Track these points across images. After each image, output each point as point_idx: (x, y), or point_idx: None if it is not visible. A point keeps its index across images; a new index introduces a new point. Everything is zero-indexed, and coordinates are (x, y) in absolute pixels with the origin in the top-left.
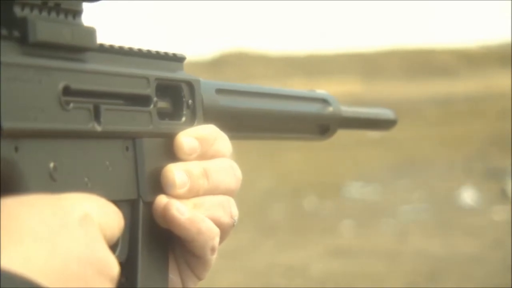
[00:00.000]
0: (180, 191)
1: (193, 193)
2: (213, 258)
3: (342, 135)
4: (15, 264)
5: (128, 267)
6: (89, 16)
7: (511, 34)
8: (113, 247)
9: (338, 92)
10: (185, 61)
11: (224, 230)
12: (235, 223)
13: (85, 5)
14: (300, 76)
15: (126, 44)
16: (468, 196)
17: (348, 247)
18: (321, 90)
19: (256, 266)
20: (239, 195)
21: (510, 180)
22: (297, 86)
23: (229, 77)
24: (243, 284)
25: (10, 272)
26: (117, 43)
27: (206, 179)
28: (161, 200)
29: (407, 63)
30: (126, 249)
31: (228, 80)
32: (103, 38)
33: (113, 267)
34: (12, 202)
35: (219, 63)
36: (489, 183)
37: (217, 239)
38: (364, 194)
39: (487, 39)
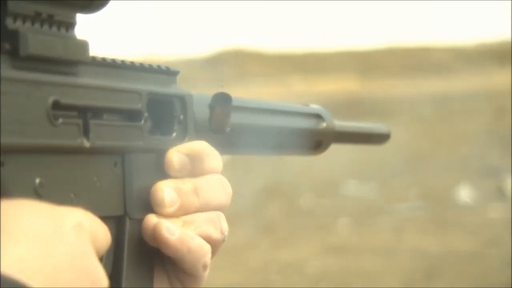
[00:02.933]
0: (170, 210)
1: (183, 211)
2: (206, 274)
3: None
4: (11, 264)
5: (111, 284)
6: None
7: (511, 32)
8: None
9: (335, 90)
10: (182, 59)
11: (215, 246)
12: (225, 238)
13: (78, 17)
14: (297, 74)
15: (119, 55)
16: (465, 194)
17: (345, 244)
18: (315, 105)
19: (253, 264)
20: (236, 193)
21: (509, 179)
22: (295, 84)
23: (226, 75)
24: (239, 282)
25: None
26: (113, 38)
27: (196, 196)
28: (151, 220)
29: (404, 61)
30: (110, 266)
31: (225, 78)
32: (97, 41)
33: (103, 278)
34: (11, 204)
35: (216, 61)
36: (486, 181)
37: (209, 256)
38: (361, 192)
39: (484, 37)
